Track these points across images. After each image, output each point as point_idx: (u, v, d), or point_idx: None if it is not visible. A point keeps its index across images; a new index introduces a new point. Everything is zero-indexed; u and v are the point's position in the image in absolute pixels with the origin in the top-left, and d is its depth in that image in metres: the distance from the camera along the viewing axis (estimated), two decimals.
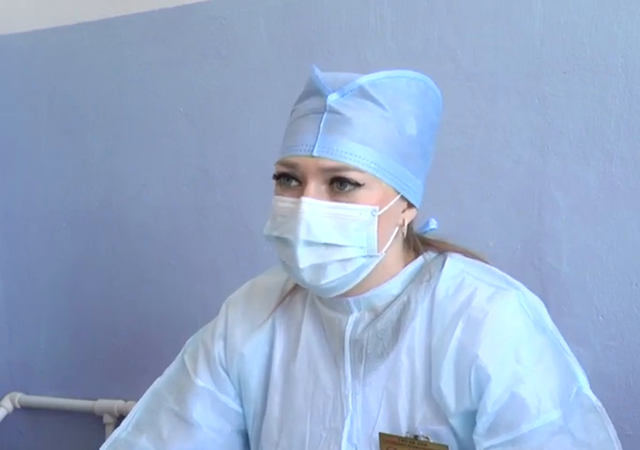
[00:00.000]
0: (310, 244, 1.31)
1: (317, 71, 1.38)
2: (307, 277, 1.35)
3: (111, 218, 2.77)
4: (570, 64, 2.11)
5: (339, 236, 1.32)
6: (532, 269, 2.16)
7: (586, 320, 2.11)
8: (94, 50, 2.77)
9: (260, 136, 2.50)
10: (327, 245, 1.32)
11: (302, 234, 1.30)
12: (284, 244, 1.34)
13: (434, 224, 1.53)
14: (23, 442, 2.97)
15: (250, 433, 1.61)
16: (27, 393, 2.92)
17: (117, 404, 2.72)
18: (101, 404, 2.76)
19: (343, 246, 1.32)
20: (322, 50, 2.42)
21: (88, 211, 2.80)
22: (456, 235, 2.16)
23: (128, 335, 2.75)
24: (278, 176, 1.38)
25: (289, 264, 1.36)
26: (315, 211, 1.31)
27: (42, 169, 2.88)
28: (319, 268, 1.34)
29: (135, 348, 2.73)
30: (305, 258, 1.32)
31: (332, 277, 1.35)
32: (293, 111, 1.42)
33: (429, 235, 1.55)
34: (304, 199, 1.30)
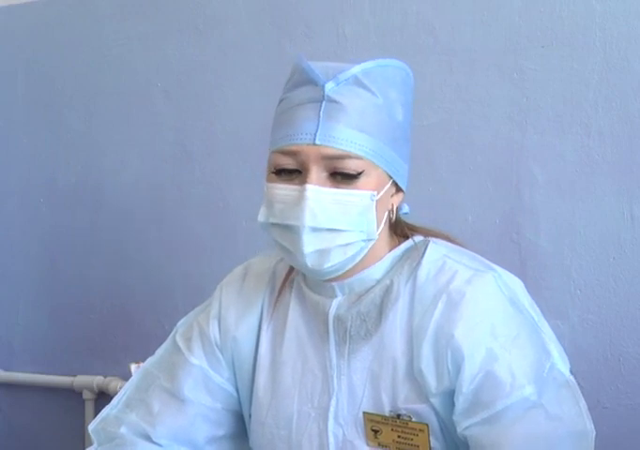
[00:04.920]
0: (315, 230, 1.33)
1: (306, 60, 1.39)
2: (310, 261, 1.36)
3: (89, 194, 2.76)
4: (548, 38, 2.12)
5: (342, 222, 1.34)
6: (510, 243, 2.17)
7: (563, 293, 2.12)
8: (71, 25, 2.76)
9: (238, 111, 2.49)
10: (330, 230, 1.34)
11: (308, 221, 1.32)
12: (287, 230, 1.36)
13: (406, 208, 1.54)
14: (3, 418, 2.97)
15: (245, 416, 1.63)
16: (6, 369, 2.92)
17: (97, 380, 2.72)
18: (81, 380, 2.75)
19: (346, 230, 1.35)
20: (300, 24, 2.41)
21: (66, 187, 2.79)
22: (435, 210, 2.18)
23: (107, 311, 2.74)
24: (275, 172, 1.38)
25: (291, 250, 1.38)
26: (319, 198, 1.33)
27: (19, 144, 2.86)
28: (323, 253, 1.36)
29: (114, 324, 2.72)
30: (310, 243, 1.34)
31: (334, 260, 1.37)
32: (282, 100, 1.43)
33: (409, 220, 1.56)
34: (308, 186, 1.32)
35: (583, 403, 1.36)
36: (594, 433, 1.35)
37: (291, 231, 1.35)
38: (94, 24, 2.72)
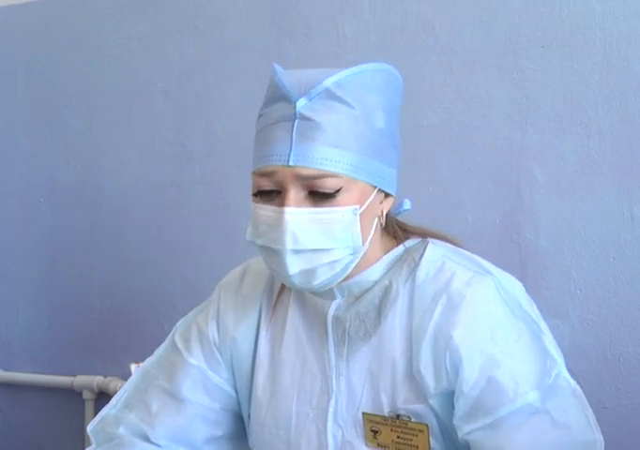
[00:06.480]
0: (297, 252, 1.33)
1: (280, 73, 1.38)
2: (297, 281, 1.37)
3: (89, 195, 2.76)
4: (548, 38, 2.12)
5: (325, 240, 1.33)
6: (510, 243, 2.17)
7: (563, 293, 2.12)
8: (71, 25, 2.76)
9: (238, 111, 2.49)
10: (314, 250, 1.33)
11: (289, 244, 1.31)
12: (271, 252, 1.36)
13: (407, 205, 1.53)
14: (3, 418, 2.97)
15: (244, 416, 1.63)
16: (6, 369, 2.92)
17: (97, 380, 2.72)
18: (81, 380, 2.75)
19: (330, 249, 1.34)
20: (300, 25, 2.41)
21: (66, 187, 2.79)
22: (435, 210, 2.18)
23: (107, 311, 2.74)
24: (256, 194, 1.37)
25: (278, 271, 1.38)
26: (299, 220, 1.31)
27: (19, 144, 2.86)
28: (309, 272, 1.36)
29: (114, 324, 2.73)
30: (294, 265, 1.34)
31: (322, 278, 1.37)
32: (260, 116, 1.41)
33: (404, 218, 1.55)
34: (286, 209, 1.31)
35: (590, 412, 1.36)
36: (603, 443, 1.34)
37: (275, 253, 1.34)
38: (94, 24, 2.72)
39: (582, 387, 1.39)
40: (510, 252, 2.16)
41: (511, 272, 1.48)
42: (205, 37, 2.56)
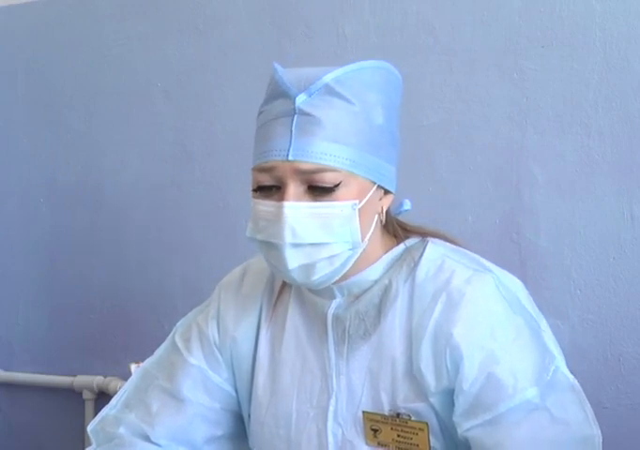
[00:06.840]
0: (296, 246, 1.33)
1: (280, 71, 1.38)
2: (297, 276, 1.37)
3: (89, 194, 2.76)
4: (548, 38, 2.12)
5: (324, 235, 1.34)
6: (510, 243, 2.17)
7: (563, 293, 2.12)
8: (71, 25, 2.76)
9: (238, 111, 2.49)
10: (313, 244, 1.34)
11: (288, 238, 1.32)
12: (270, 247, 1.36)
13: (407, 205, 1.54)
14: (3, 418, 2.97)
15: (244, 416, 1.63)
16: (6, 369, 2.92)
17: (97, 380, 2.72)
18: (81, 380, 2.75)
19: (329, 243, 1.35)
20: (300, 24, 2.42)
21: (66, 187, 2.79)
22: (435, 210, 2.18)
23: (107, 311, 2.74)
24: (256, 189, 1.38)
25: (277, 266, 1.38)
26: (298, 214, 1.32)
27: (19, 144, 2.87)
28: (308, 267, 1.36)
29: (114, 324, 2.73)
30: (293, 259, 1.34)
31: (321, 273, 1.37)
32: (260, 113, 1.42)
33: (404, 218, 1.55)
34: (285, 203, 1.32)
35: (588, 407, 1.36)
36: (600, 438, 1.34)
37: (274, 248, 1.35)
38: (94, 24, 2.72)
39: (582, 387, 1.39)
40: (510, 252, 2.16)
41: (511, 272, 1.48)
42: (205, 37, 2.56)
